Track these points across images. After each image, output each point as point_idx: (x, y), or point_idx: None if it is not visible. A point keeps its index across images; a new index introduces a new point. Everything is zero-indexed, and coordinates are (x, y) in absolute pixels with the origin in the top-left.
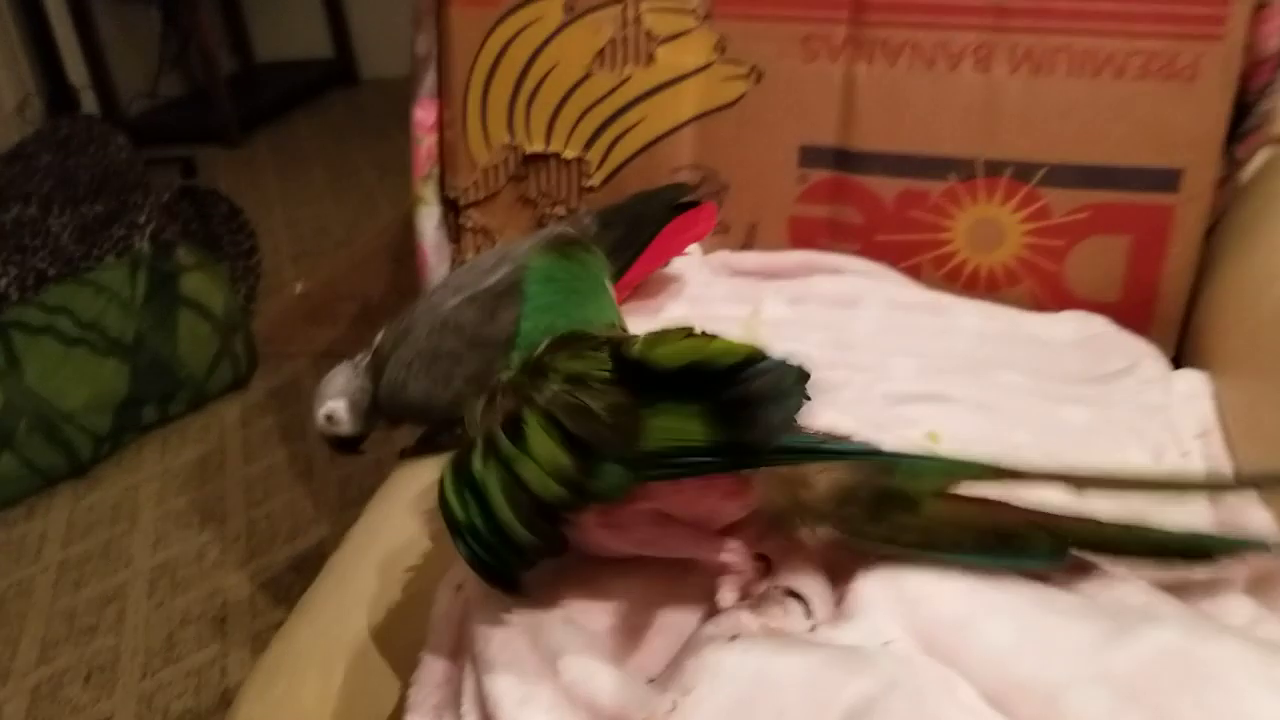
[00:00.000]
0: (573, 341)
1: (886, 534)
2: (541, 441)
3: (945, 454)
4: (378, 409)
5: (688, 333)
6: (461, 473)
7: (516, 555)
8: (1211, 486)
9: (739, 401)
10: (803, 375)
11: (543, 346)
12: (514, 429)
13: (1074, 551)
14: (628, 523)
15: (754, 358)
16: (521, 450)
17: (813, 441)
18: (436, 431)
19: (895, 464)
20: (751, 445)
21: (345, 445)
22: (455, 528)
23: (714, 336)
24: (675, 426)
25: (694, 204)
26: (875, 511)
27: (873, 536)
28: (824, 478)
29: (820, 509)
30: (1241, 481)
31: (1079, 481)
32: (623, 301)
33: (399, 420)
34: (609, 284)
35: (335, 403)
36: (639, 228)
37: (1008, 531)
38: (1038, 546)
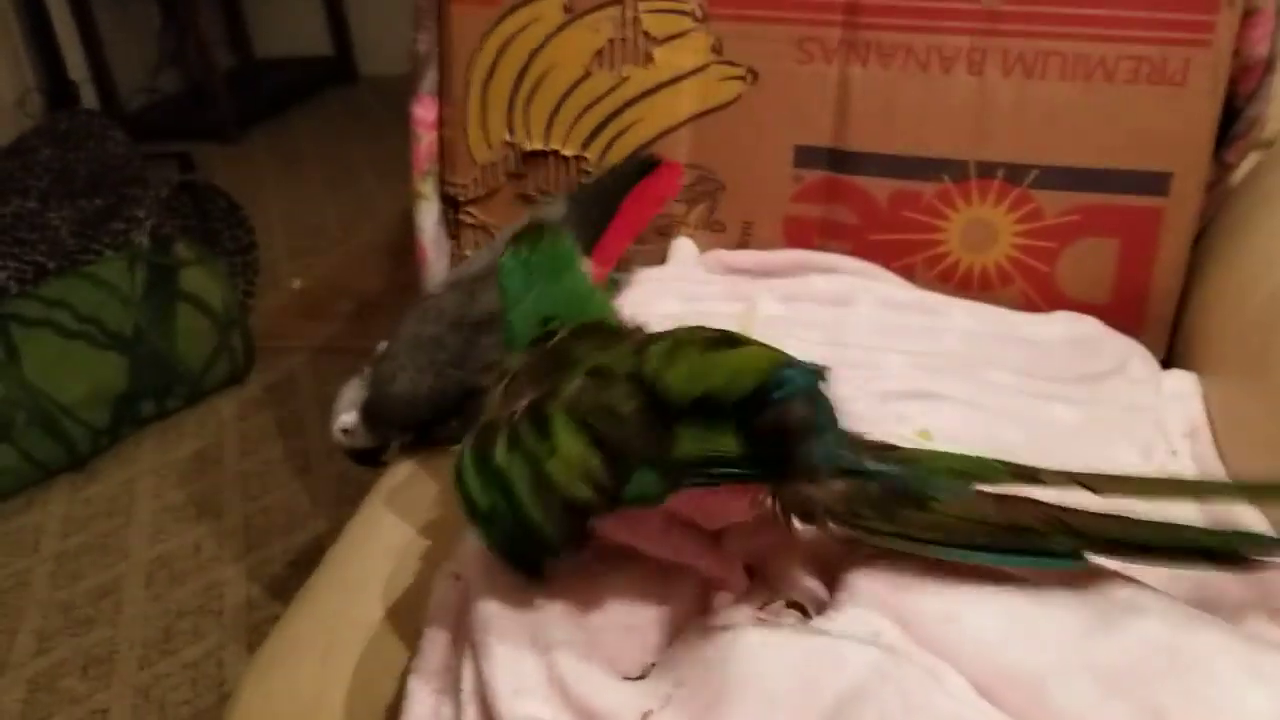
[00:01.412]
0: (595, 332)
1: (899, 530)
2: (570, 442)
3: (965, 458)
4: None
5: (701, 340)
6: (484, 461)
7: (539, 548)
8: (1235, 491)
9: (772, 432)
10: (821, 381)
11: (563, 334)
12: (539, 423)
13: (1095, 554)
14: (638, 519)
15: (768, 382)
16: (549, 448)
17: (852, 463)
18: (431, 425)
19: (920, 482)
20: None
21: (365, 458)
22: (475, 514)
23: (730, 339)
24: (707, 437)
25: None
26: (887, 510)
27: (886, 533)
28: (839, 479)
29: (833, 507)
30: (1256, 489)
31: (1095, 484)
32: (611, 270)
33: (393, 421)
34: (579, 260)
35: (348, 415)
36: (608, 196)
37: (1025, 528)
38: (1057, 545)
